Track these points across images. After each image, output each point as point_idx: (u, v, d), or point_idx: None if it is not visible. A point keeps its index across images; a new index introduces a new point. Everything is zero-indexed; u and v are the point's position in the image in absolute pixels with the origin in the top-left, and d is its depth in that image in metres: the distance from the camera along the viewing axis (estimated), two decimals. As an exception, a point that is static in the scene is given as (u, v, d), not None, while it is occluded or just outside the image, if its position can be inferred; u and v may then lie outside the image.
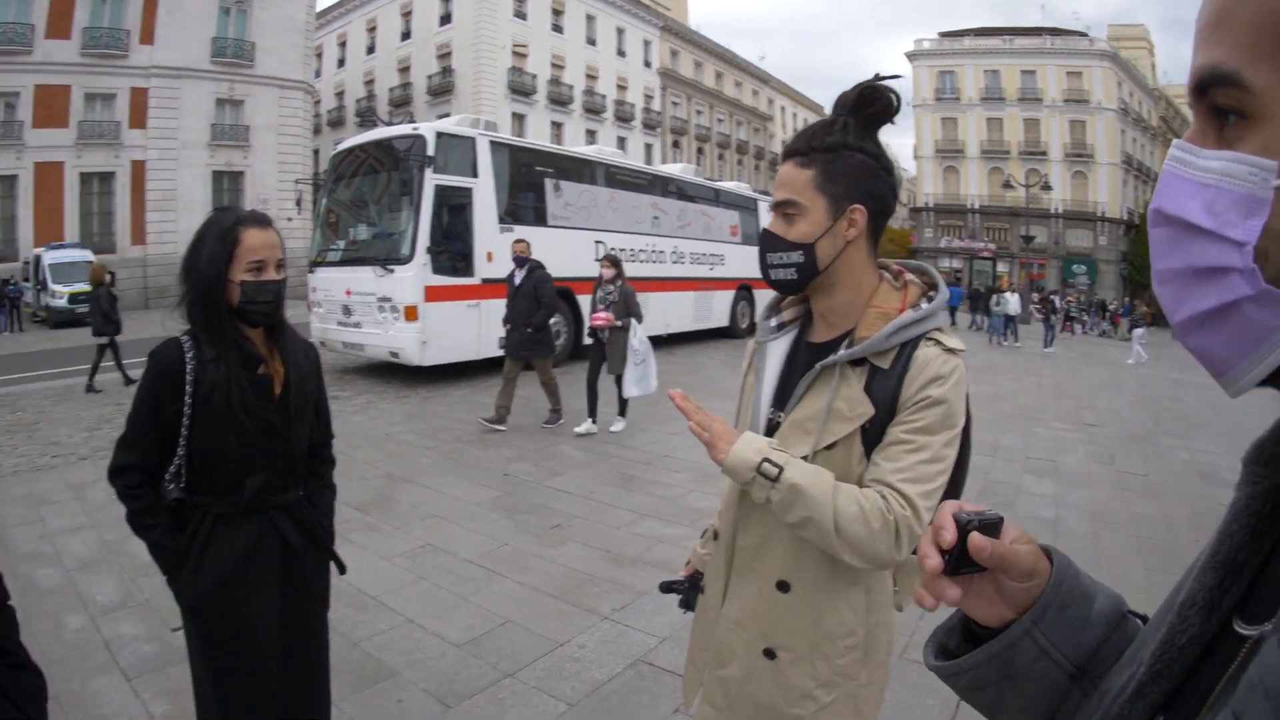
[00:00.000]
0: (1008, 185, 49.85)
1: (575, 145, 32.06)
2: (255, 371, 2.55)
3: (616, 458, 8.89)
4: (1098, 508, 7.81)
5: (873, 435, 1.75)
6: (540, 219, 15.45)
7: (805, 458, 1.75)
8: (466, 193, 13.73)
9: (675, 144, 59.86)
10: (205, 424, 2.45)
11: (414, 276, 12.64)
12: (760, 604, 1.90)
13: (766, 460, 1.67)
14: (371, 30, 54.00)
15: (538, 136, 43.84)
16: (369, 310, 13.00)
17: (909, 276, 1.88)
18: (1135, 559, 6.43)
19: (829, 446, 1.76)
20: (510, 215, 14.63)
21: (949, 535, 0.85)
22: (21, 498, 7.42)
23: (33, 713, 1.93)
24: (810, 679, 1.84)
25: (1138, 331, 25.74)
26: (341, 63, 56.14)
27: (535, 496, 7.42)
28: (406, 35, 51.48)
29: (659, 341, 18.98)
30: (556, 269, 15.13)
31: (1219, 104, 0.63)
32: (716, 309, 21.25)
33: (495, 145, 14.56)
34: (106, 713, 3.94)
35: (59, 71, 33.28)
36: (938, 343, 1.75)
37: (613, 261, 10.41)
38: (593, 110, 52.85)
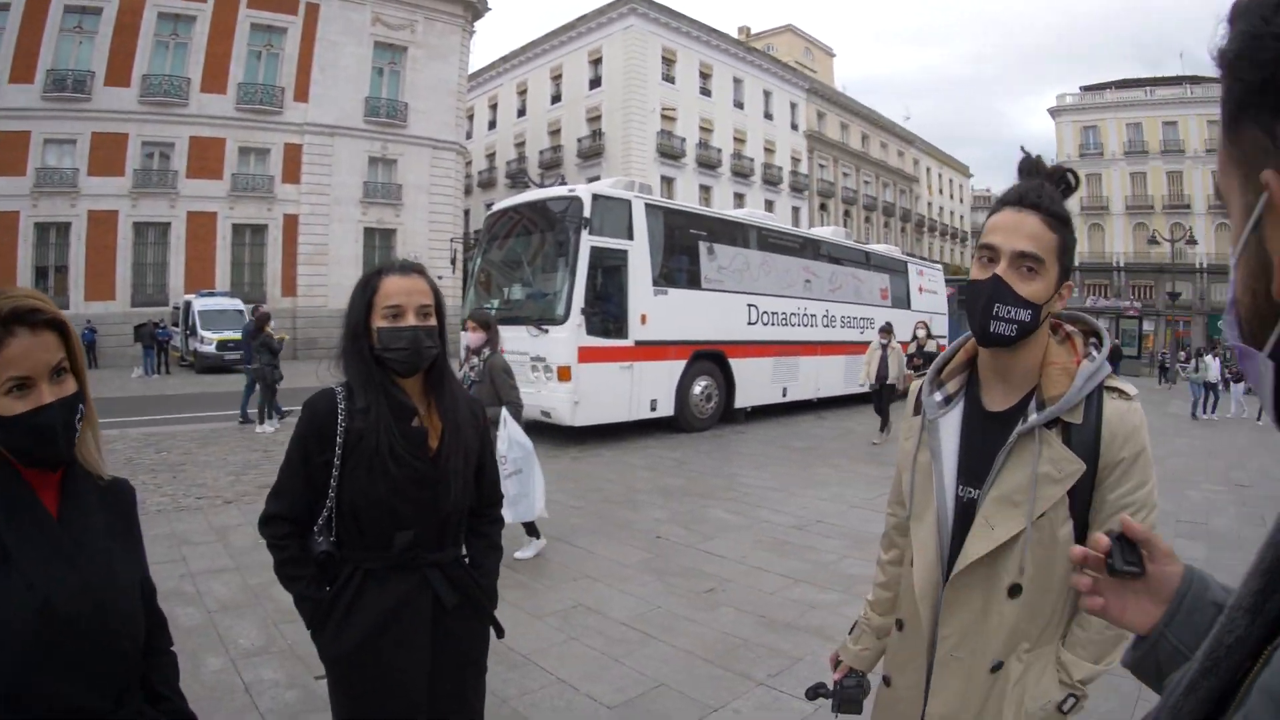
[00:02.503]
0: (1153, 241, 48.48)
1: (724, 208, 32.29)
2: (408, 423, 2.50)
3: (768, 522, 8.75)
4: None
5: (1079, 494, 1.74)
6: (694, 282, 15.55)
7: (1021, 532, 1.72)
8: (621, 255, 13.90)
9: (822, 207, 59.67)
10: (353, 473, 2.42)
11: (568, 337, 12.87)
12: (971, 690, 1.82)
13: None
14: (522, 93, 55.49)
15: (686, 200, 44.17)
16: (522, 370, 13.15)
17: (1068, 328, 1.91)
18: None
19: (1040, 515, 1.74)
20: (664, 278, 14.76)
21: (1104, 541, 1.11)
22: (163, 536, 7.61)
23: None
24: None
25: (1237, 387, 24.61)
26: (493, 124, 57.87)
27: (687, 560, 7.34)
28: (557, 98, 52.68)
29: (809, 405, 19.08)
30: (709, 333, 15.51)
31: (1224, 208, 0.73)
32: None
33: (650, 208, 14.71)
34: (242, 756, 3.97)
35: (213, 124, 35.49)
36: (1120, 392, 1.80)
37: (481, 323, 7.51)
38: (741, 174, 53.15)
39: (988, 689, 1.79)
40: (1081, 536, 1.74)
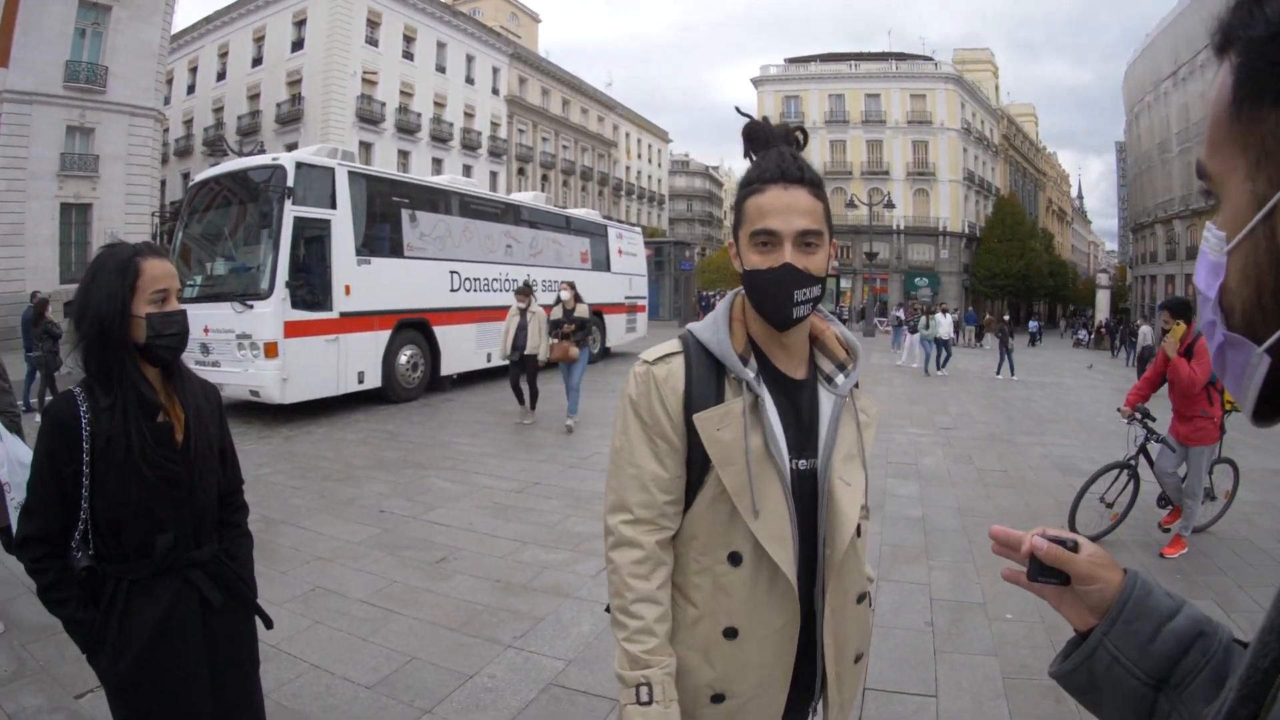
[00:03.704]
0: (851, 205, 51.82)
1: (422, 174, 31.76)
2: (154, 419, 2.36)
3: (489, 488, 8.92)
4: (963, 504, 8.32)
5: None
6: (396, 250, 15.48)
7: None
8: (325, 224, 13.60)
9: (520, 171, 59.69)
10: (105, 481, 2.25)
11: (273, 312, 12.43)
12: (847, 622, 1.91)
13: None
14: (223, 56, 51.68)
15: (385, 166, 43.04)
16: (228, 348, 12.62)
17: None
18: (1007, 549, 6.97)
19: None
20: (367, 247, 14.58)
21: (1026, 547, 1.12)
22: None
23: None
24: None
25: (912, 337, 25.99)
26: (191, 89, 53.45)
27: (415, 531, 7.38)
28: (258, 61, 49.57)
29: (506, 370, 19.17)
30: (413, 301, 15.58)
31: (1206, 189, 0.74)
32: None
33: (354, 176, 14.47)
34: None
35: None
36: None
37: None
38: (439, 139, 52.29)
39: (861, 615, 1.97)
40: None
